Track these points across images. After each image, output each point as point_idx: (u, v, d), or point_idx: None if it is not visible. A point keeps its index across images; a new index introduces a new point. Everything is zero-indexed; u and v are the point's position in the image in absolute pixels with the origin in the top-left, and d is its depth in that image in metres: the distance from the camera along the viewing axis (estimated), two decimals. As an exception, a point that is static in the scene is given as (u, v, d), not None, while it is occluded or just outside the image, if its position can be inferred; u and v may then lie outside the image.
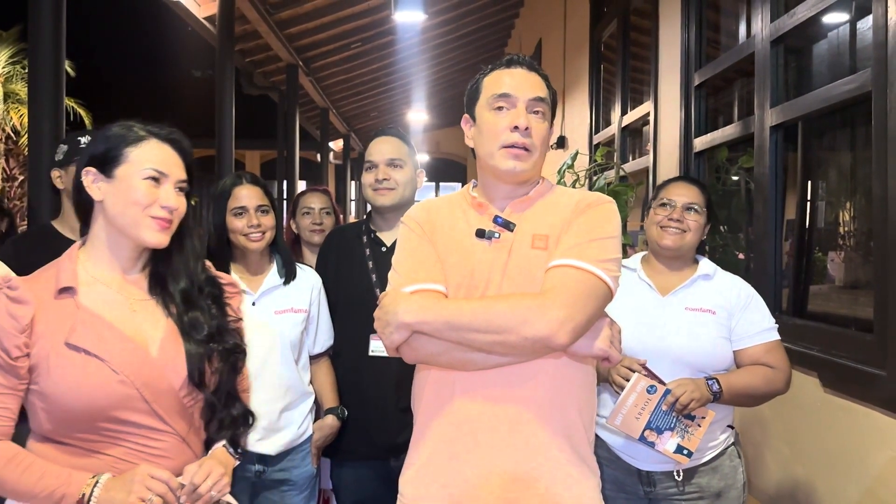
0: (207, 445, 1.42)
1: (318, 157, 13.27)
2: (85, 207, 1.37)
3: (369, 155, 2.19)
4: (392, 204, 2.14)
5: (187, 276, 1.40)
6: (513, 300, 1.30)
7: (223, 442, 1.41)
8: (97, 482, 1.23)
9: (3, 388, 1.26)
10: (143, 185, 1.32)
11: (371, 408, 2.09)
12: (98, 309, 1.31)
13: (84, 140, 2.28)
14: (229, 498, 1.38)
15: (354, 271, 2.16)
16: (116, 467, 1.28)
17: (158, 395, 1.30)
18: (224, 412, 1.40)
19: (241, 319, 1.48)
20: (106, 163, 1.33)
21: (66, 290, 1.31)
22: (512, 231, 1.42)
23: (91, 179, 1.33)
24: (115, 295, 1.34)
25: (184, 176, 1.37)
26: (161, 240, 1.34)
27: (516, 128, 1.40)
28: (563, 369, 1.38)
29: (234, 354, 1.42)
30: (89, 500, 1.22)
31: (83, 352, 1.26)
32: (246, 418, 1.45)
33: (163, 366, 1.31)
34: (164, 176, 1.33)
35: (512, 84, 1.43)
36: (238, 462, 1.43)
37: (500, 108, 1.43)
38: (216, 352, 1.37)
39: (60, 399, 1.25)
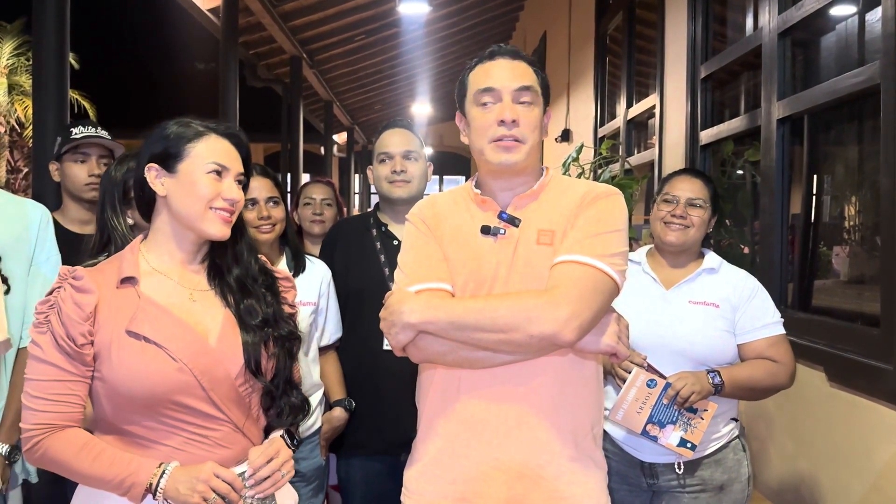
0: (266, 434, 1.45)
1: (322, 150, 13.27)
2: (147, 202, 1.40)
3: (384, 147, 2.16)
4: (408, 196, 2.12)
5: (241, 267, 1.44)
6: (518, 298, 1.29)
7: (280, 432, 1.43)
8: (164, 472, 1.25)
9: (72, 374, 1.29)
10: (207, 179, 1.34)
11: (385, 402, 2.07)
12: (158, 298, 1.34)
13: (76, 130, 2.28)
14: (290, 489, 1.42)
15: (365, 265, 2.14)
16: (174, 457, 1.30)
17: (215, 382, 1.32)
18: (284, 400, 1.42)
19: (295, 313, 1.51)
20: (168, 158, 1.35)
21: (127, 280, 1.34)
22: (517, 227, 1.40)
23: (154, 175, 1.36)
24: (174, 285, 1.37)
25: (242, 169, 1.40)
26: (224, 232, 1.37)
27: (502, 122, 1.38)
28: (569, 366, 1.37)
29: (289, 341, 1.44)
30: (156, 489, 1.25)
31: (143, 339, 1.29)
32: (303, 406, 1.47)
33: (220, 354, 1.34)
34: (226, 169, 1.36)
35: (495, 76, 1.40)
36: (294, 452, 1.44)
37: (484, 104, 1.40)
38: (272, 338, 1.40)
39: (121, 385, 1.28)
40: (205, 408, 1.32)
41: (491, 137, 1.38)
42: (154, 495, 1.25)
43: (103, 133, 2.29)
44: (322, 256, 2.23)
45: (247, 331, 1.37)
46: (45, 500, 1.99)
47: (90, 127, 2.29)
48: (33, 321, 1.32)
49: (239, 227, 1.44)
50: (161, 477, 1.25)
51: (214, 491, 1.25)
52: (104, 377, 1.29)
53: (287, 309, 1.48)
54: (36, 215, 1.99)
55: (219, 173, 1.35)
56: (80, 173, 2.24)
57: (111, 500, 1.29)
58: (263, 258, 1.53)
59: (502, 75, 1.40)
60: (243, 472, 1.32)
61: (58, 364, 1.28)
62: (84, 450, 1.27)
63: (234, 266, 1.43)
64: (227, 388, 1.34)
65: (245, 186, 1.42)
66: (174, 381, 1.29)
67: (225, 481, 1.27)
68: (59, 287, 1.32)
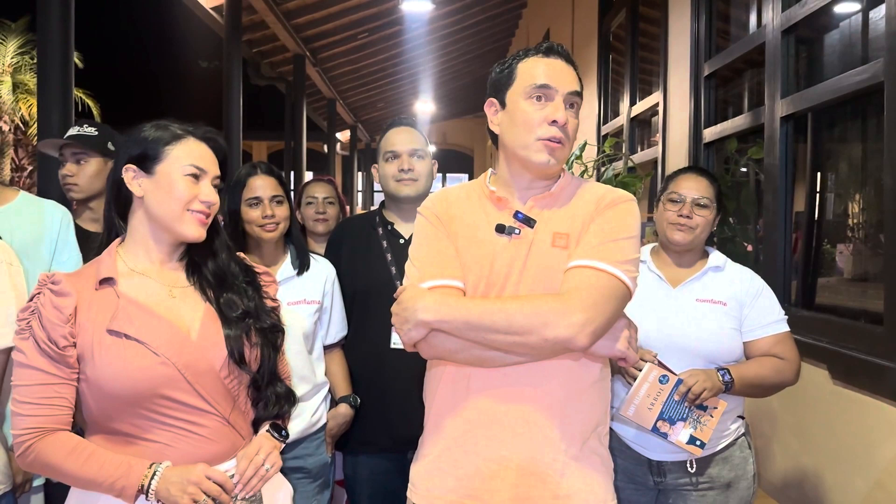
0: (255, 426, 1.46)
1: (325, 147, 13.28)
2: (123, 203, 1.41)
3: (391, 145, 2.16)
4: (415, 195, 2.12)
5: (217, 261, 1.45)
6: (533, 302, 1.29)
7: (266, 427, 1.44)
8: (155, 473, 1.26)
9: (57, 378, 1.30)
10: (185, 181, 1.36)
11: (391, 400, 2.06)
12: (138, 297, 1.35)
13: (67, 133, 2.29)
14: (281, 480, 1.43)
15: (372, 264, 2.13)
16: (163, 453, 1.30)
17: (200, 375, 1.33)
18: (269, 390, 1.44)
19: (277, 306, 1.52)
20: (146, 160, 1.37)
21: (106, 281, 1.35)
22: (532, 227, 1.40)
23: (132, 176, 1.37)
24: (153, 283, 1.38)
25: (218, 172, 1.41)
26: (200, 233, 1.38)
27: (554, 122, 1.36)
28: (579, 368, 1.38)
29: (272, 333, 1.45)
30: (147, 490, 1.25)
31: (124, 336, 1.30)
32: (289, 398, 1.49)
33: (203, 347, 1.35)
34: (203, 172, 1.38)
35: (552, 75, 1.38)
36: (283, 445, 1.44)
37: (538, 99, 1.38)
38: (254, 329, 1.41)
39: (105, 384, 1.29)
40: (191, 400, 1.33)
41: (540, 135, 1.37)
42: (146, 496, 1.26)
43: (87, 131, 2.26)
44: (328, 255, 2.23)
45: (228, 324, 1.38)
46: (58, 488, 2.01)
47: (76, 127, 2.28)
48: (16, 328, 1.32)
49: (214, 227, 1.45)
50: (152, 479, 1.25)
51: (205, 493, 1.26)
52: (88, 378, 1.30)
53: (269, 303, 1.49)
54: (56, 216, 2.01)
55: (196, 176, 1.37)
56: (61, 175, 2.26)
57: (104, 500, 1.29)
58: (242, 255, 1.54)
59: (559, 76, 1.39)
60: (232, 475, 1.32)
61: (42, 368, 1.29)
62: (74, 453, 1.27)
63: (211, 262, 1.44)
64: (212, 380, 1.35)
65: (221, 190, 1.43)
66: (158, 375, 1.30)
67: (216, 482, 1.27)
68: (38, 293, 1.33)
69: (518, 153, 1.40)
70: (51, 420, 1.29)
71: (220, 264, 1.45)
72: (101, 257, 1.40)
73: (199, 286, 1.42)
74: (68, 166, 2.24)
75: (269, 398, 1.44)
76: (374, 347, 2.10)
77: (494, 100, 1.45)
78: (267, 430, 1.43)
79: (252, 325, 1.41)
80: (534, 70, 1.39)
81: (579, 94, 1.41)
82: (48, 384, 1.29)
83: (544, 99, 1.38)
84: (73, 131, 2.27)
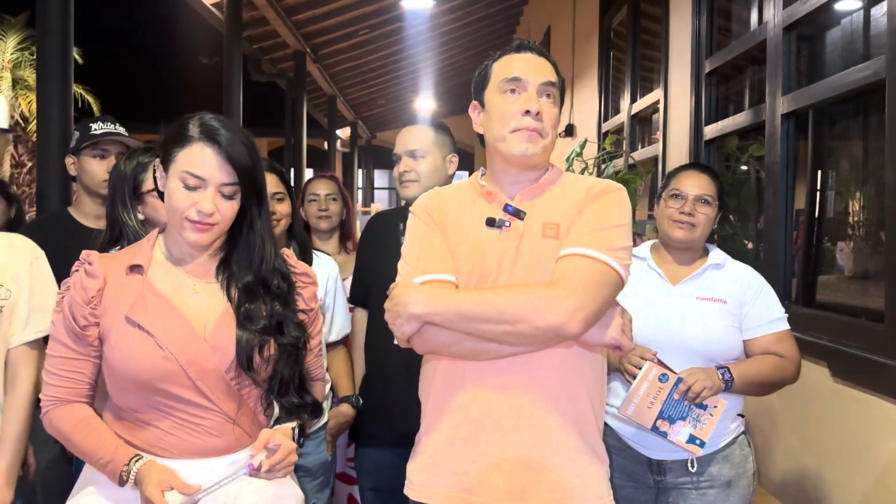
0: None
1: (326, 144, 13.27)
2: (162, 195, 1.40)
3: (395, 147, 2.17)
4: (415, 196, 2.11)
5: (251, 270, 1.41)
6: (524, 290, 1.29)
7: (293, 424, 1.43)
8: (131, 471, 1.31)
9: (77, 353, 1.37)
10: (180, 189, 1.33)
11: (401, 397, 2.06)
12: (161, 287, 1.38)
13: (96, 126, 2.28)
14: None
15: (388, 259, 2.13)
16: (164, 439, 1.35)
17: (204, 374, 1.34)
18: (286, 399, 1.43)
19: (312, 310, 1.48)
20: (164, 158, 1.37)
21: (136, 268, 1.39)
22: (522, 219, 1.40)
23: (159, 173, 1.39)
24: (181, 275, 1.40)
25: (227, 179, 1.33)
26: (199, 240, 1.36)
27: (528, 112, 1.38)
28: (574, 358, 1.38)
29: (294, 348, 1.42)
30: (125, 481, 1.32)
31: (137, 326, 1.34)
32: (314, 408, 1.47)
33: (212, 347, 1.35)
34: (202, 181, 1.32)
35: (522, 68, 1.42)
36: (298, 448, 1.43)
37: (511, 92, 1.41)
38: (273, 343, 1.38)
39: (115, 367, 1.35)
40: (192, 397, 1.34)
41: (514, 127, 1.39)
42: (122, 485, 1.32)
43: (122, 130, 2.30)
44: (359, 251, 2.24)
45: (242, 328, 1.37)
46: (54, 481, 2.01)
47: (109, 123, 2.29)
48: (56, 300, 1.40)
49: (247, 228, 1.40)
50: (128, 475, 1.31)
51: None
52: (105, 358, 1.36)
53: (301, 313, 1.45)
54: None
55: (192, 185, 1.32)
56: (99, 170, 2.24)
57: (102, 477, 1.35)
58: (289, 253, 1.49)
59: (530, 68, 1.42)
60: (222, 479, 1.32)
61: (65, 342, 1.36)
62: (79, 425, 1.35)
63: (244, 268, 1.41)
64: (217, 379, 1.35)
65: (254, 189, 1.37)
66: (160, 369, 1.32)
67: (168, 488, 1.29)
68: (76, 270, 1.38)
69: (498, 147, 1.42)
70: (67, 392, 1.37)
71: (252, 272, 1.40)
72: (141, 242, 1.44)
73: (224, 284, 1.41)
74: (113, 163, 2.20)
75: (286, 406, 1.43)
76: (385, 343, 2.09)
77: (476, 102, 1.49)
78: (293, 428, 1.42)
79: (271, 339, 1.38)
80: (506, 66, 1.44)
81: (554, 85, 1.43)
82: (68, 358, 1.36)
83: (517, 91, 1.40)
84: (110, 128, 2.27)
